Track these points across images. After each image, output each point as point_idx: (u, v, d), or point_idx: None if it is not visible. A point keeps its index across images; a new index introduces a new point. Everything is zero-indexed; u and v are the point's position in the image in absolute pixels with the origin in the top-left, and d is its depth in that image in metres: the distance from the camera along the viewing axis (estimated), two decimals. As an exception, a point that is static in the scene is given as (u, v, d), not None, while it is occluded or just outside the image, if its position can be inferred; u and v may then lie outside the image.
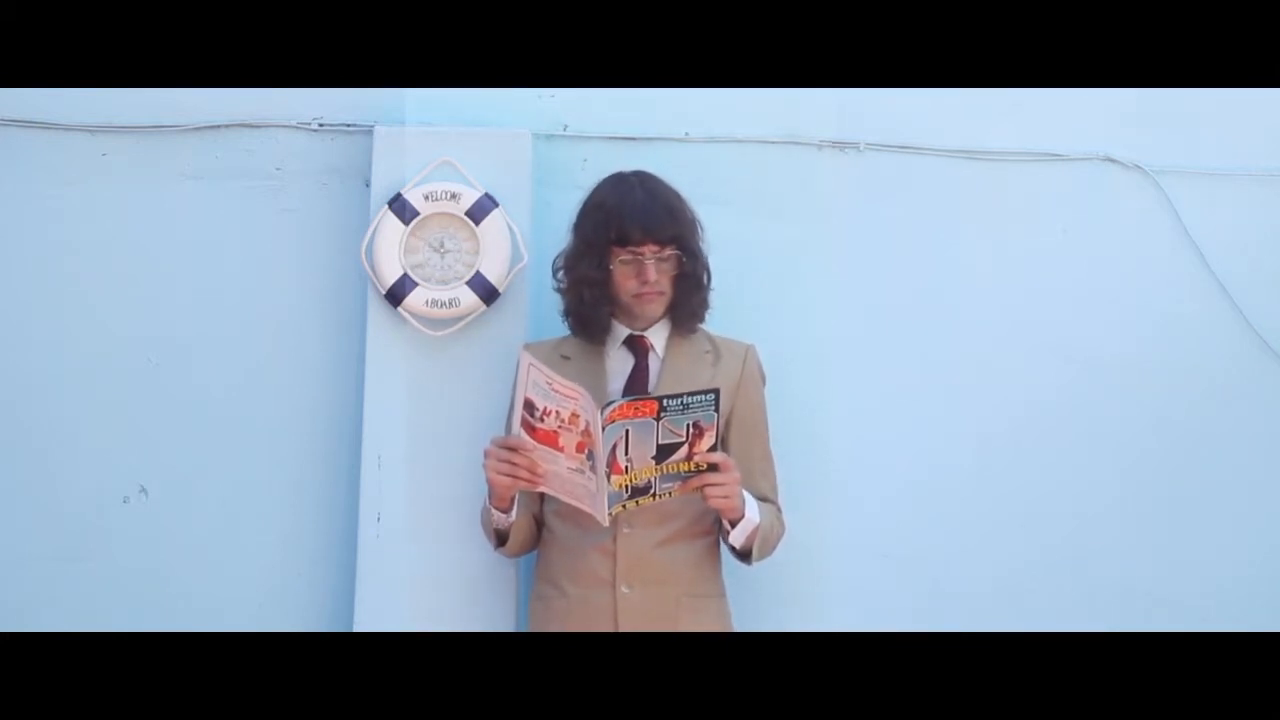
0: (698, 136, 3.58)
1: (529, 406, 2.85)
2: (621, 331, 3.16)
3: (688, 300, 3.13)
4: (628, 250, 3.07)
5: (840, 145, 3.62)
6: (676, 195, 3.13)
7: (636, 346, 3.15)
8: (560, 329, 3.24)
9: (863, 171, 3.62)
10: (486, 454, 2.94)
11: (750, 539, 3.04)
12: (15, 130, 3.48)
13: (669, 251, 3.07)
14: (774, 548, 3.14)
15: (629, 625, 3.01)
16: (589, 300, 3.12)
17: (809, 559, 3.40)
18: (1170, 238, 3.65)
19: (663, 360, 3.14)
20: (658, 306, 3.12)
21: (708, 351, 3.17)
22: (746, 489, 3.03)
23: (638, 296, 3.09)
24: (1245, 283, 3.65)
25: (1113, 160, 3.66)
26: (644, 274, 3.07)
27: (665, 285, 3.10)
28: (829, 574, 3.52)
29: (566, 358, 3.16)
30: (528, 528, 3.14)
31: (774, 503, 3.16)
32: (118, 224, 3.49)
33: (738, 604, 3.18)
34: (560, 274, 3.18)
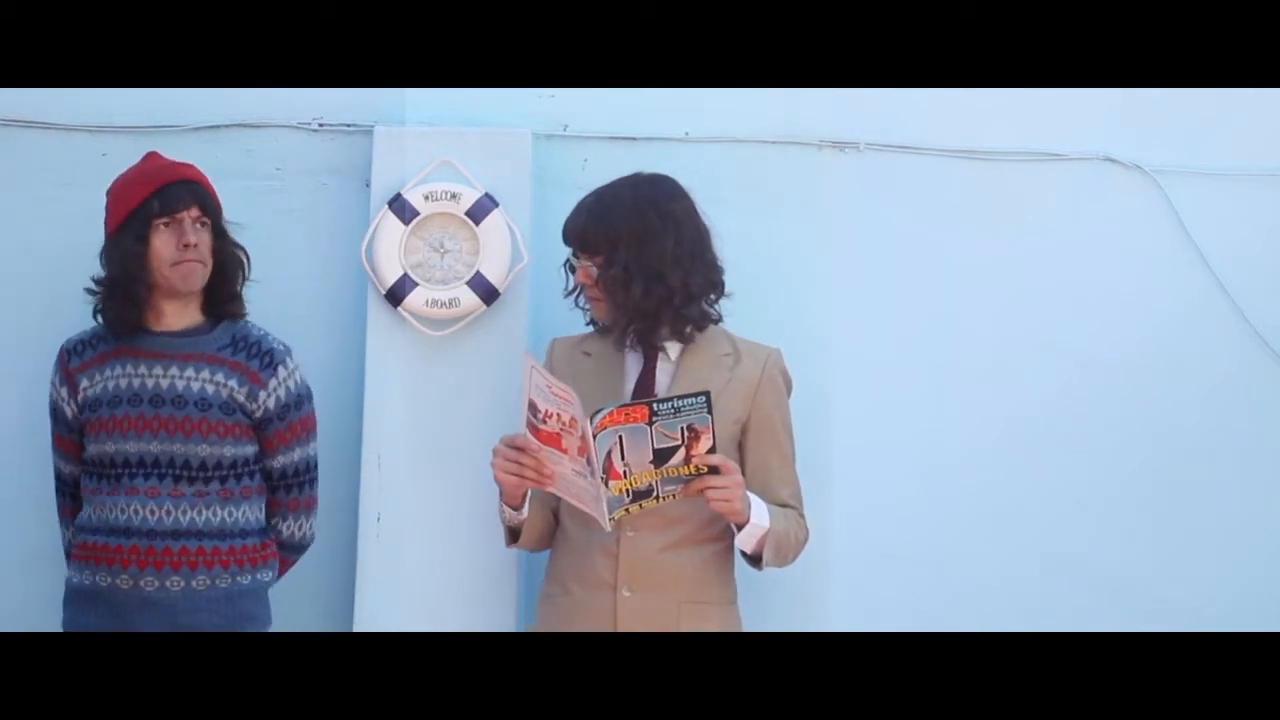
0: (698, 136, 3.58)
1: (532, 408, 2.85)
2: None
3: (613, 312, 3.07)
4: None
5: (840, 145, 3.62)
6: (636, 209, 3.05)
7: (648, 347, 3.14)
8: (560, 328, 3.25)
9: (863, 171, 3.62)
10: (495, 453, 2.94)
11: (760, 544, 3.01)
12: (15, 130, 3.48)
13: (596, 260, 3.06)
14: (794, 554, 3.09)
15: (628, 629, 2.99)
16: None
17: (810, 559, 3.38)
18: (1170, 238, 3.65)
19: (678, 362, 3.11)
20: (596, 309, 3.12)
21: (727, 354, 3.12)
22: (764, 496, 3.01)
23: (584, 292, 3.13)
24: (1245, 283, 3.65)
25: (1113, 160, 3.65)
26: (578, 272, 3.10)
27: (598, 292, 3.08)
28: (830, 574, 3.52)
29: (588, 354, 3.16)
30: (543, 523, 3.12)
31: (795, 509, 3.10)
32: (118, 224, 3.48)
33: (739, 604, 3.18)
34: None
